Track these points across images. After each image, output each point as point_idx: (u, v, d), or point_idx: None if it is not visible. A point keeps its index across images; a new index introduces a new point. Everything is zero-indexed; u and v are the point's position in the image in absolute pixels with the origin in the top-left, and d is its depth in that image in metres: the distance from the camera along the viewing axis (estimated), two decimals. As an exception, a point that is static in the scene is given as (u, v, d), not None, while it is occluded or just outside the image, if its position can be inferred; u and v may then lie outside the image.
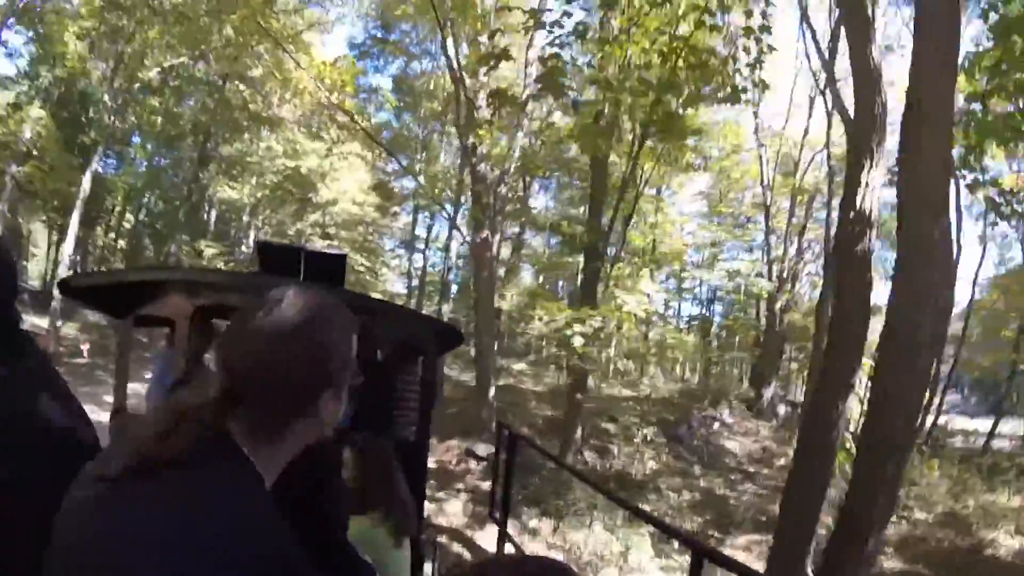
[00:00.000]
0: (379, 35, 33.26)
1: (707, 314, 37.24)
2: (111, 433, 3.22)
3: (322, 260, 3.94)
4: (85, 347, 17.94)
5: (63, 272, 21.15)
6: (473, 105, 13.92)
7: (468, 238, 14.27)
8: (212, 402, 0.92)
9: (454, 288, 37.05)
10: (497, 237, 14.70)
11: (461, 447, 14.69)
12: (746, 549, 12.30)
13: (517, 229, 31.82)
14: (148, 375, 4.49)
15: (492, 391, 14.12)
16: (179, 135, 28.43)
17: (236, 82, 27.55)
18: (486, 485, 12.08)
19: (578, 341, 11.62)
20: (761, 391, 23.12)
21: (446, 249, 35.70)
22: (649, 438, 16.15)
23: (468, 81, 14.09)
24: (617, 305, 13.06)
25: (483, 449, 14.25)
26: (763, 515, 13.83)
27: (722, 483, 16.14)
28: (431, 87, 31.68)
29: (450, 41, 14.80)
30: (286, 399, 0.96)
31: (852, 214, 7.56)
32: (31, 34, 23.27)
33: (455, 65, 14.19)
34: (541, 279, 35.40)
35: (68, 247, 22.63)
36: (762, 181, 25.21)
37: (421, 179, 22.47)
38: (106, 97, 22.44)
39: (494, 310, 13.83)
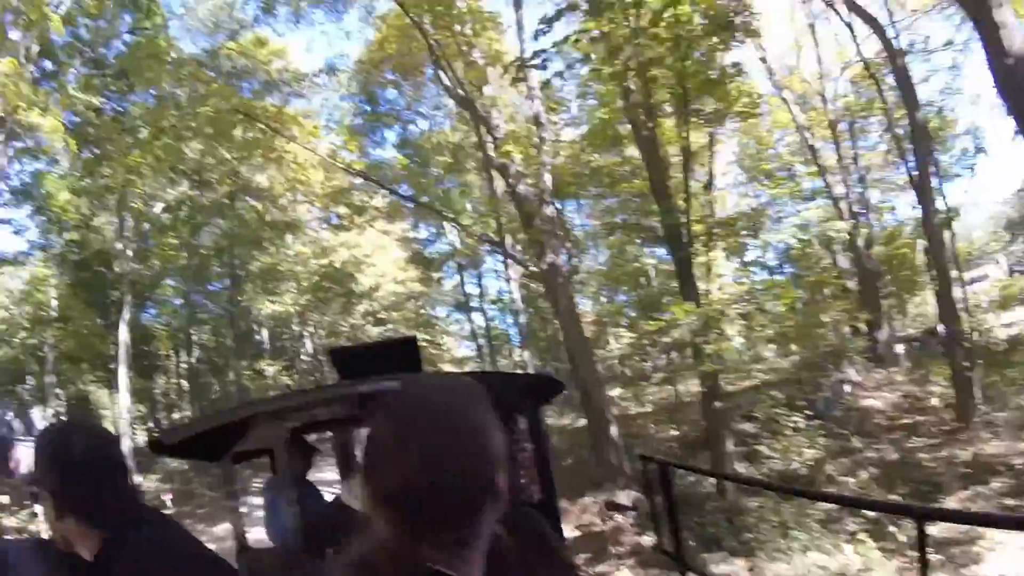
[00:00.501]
0: (368, 109, 32.37)
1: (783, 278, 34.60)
2: (241, 572, 3.06)
3: (393, 349, 3.90)
4: (168, 497, 17.47)
5: (124, 427, 20.99)
6: (488, 124, 12.39)
7: (531, 267, 12.30)
8: (395, 537, 0.82)
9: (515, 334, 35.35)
10: (564, 259, 12.84)
11: (598, 501, 12.57)
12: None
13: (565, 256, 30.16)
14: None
15: (614, 428, 12.02)
16: (203, 265, 27.46)
17: (245, 198, 26.79)
18: (648, 539, 10.12)
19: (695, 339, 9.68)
20: (874, 336, 20.61)
21: (497, 300, 33.94)
22: (799, 425, 13.82)
23: (476, 103, 12.59)
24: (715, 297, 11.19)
25: (625, 497, 12.17)
26: (965, 466, 11.68)
27: (891, 447, 13.77)
28: (435, 142, 30.38)
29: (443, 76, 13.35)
30: (471, 499, 0.86)
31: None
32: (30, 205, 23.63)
33: (459, 89, 12.65)
34: (602, 299, 33.38)
35: (123, 400, 21.78)
36: (796, 125, 23.27)
37: (461, 222, 20.52)
38: (119, 245, 21.87)
39: (586, 339, 11.81)
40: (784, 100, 23.09)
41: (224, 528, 14.48)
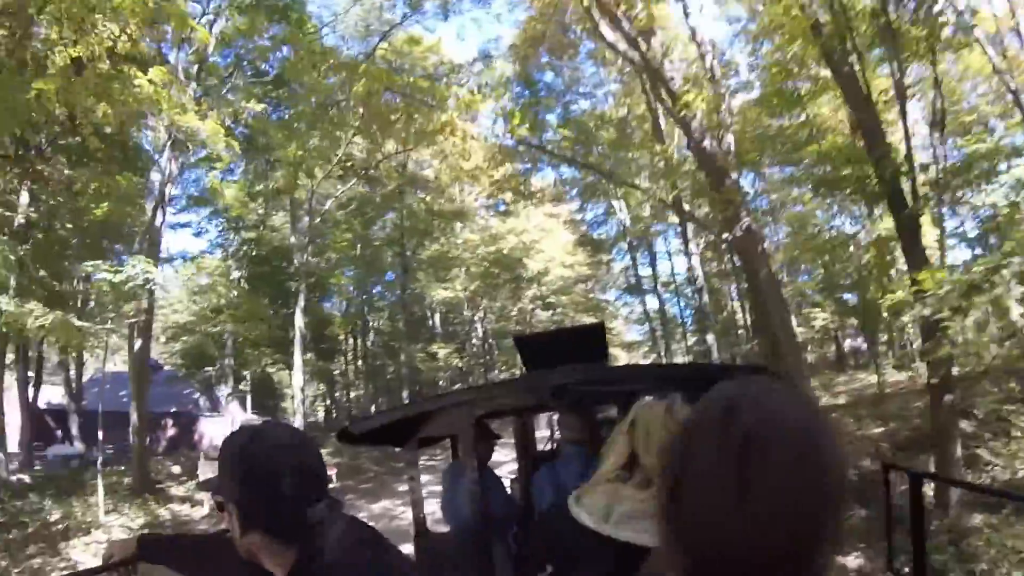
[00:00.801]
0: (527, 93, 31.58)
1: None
2: (417, 554, 3.29)
3: (582, 335, 3.93)
4: (333, 472, 17.08)
5: (299, 404, 22.52)
6: (662, 77, 10.68)
7: (722, 236, 10.22)
8: None
9: (689, 316, 32.94)
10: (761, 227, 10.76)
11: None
12: None
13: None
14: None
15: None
16: (376, 256, 28.42)
17: (414, 191, 27.25)
18: (852, 561, 8.50)
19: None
20: None
21: (669, 283, 31.74)
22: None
23: (648, 51, 10.90)
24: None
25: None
26: None
27: None
28: (599, 117, 28.85)
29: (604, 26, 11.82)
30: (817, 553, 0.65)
31: None
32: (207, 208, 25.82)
33: (627, 41, 11.01)
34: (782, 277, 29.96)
35: (297, 380, 22.81)
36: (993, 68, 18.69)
37: (640, 188, 18.61)
38: (293, 239, 23.07)
39: (789, 317, 9.67)
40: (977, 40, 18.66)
41: (382, 506, 14.76)
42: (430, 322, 36.88)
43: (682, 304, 33.44)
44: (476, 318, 35.88)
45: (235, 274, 24.44)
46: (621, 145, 25.56)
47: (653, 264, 29.62)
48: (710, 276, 31.21)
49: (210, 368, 28.28)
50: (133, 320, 15.18)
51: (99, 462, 14.53)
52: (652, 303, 32.56)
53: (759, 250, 9.41)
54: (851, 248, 17.25)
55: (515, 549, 3.44)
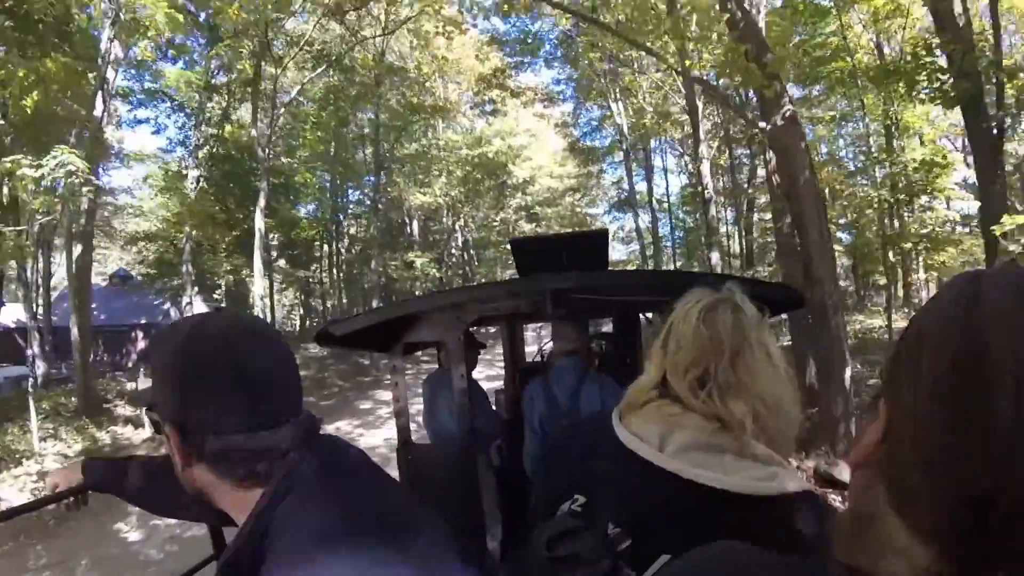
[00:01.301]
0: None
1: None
2: (400, 464, 3.22)
3: (584, 242, 3.86)
4: None
5: (260, 309, 20.56)
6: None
7: (759, 125, 7.57)
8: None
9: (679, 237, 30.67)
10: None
11: (805, 468, 8.83)
12: None
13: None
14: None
15: (847, 372, 7.99)
16: (349, 154, 25.57)
17: (393, 82, 24.14)
18: None
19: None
20: None
21: (661, 201, 29.22)
22: None
23: None
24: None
25: (846, 470, 8.17)
26: None
27: None
28: None
29: None
30: None
31: None
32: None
33: None
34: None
35: (259, 286, 20.87)
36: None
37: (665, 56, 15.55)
38: (254, 131, 20.45)
39: (827, 236, 7.34)
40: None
41: (336, 427, 12.85)
42: (408, 229, 34.58)
43: (673, 224, 31.39)
44: (456, 227, 33.57)
45: (193, 173, 21.77)
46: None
47: (649, 176, 26.89)
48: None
49: (179, 278, 26.44)
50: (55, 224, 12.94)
51: (31, 383, 12.81)
52: (643, 221, 30.31)
53: (801, 146, 7.21)
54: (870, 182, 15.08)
55: (498, 462, 3.38)
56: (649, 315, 4.36)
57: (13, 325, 24.51)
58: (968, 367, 0.43)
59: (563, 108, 32.59)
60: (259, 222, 19.92)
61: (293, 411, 0.91)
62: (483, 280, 35.40)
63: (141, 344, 28.73)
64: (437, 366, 4.02)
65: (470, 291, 3.70)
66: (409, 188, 28.91)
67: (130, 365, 26.71)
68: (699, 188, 10.91)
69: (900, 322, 16.82)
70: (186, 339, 0.89)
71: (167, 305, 29.30)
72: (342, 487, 0.90)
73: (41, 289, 23.02)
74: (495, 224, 33.84)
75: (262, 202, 19.89)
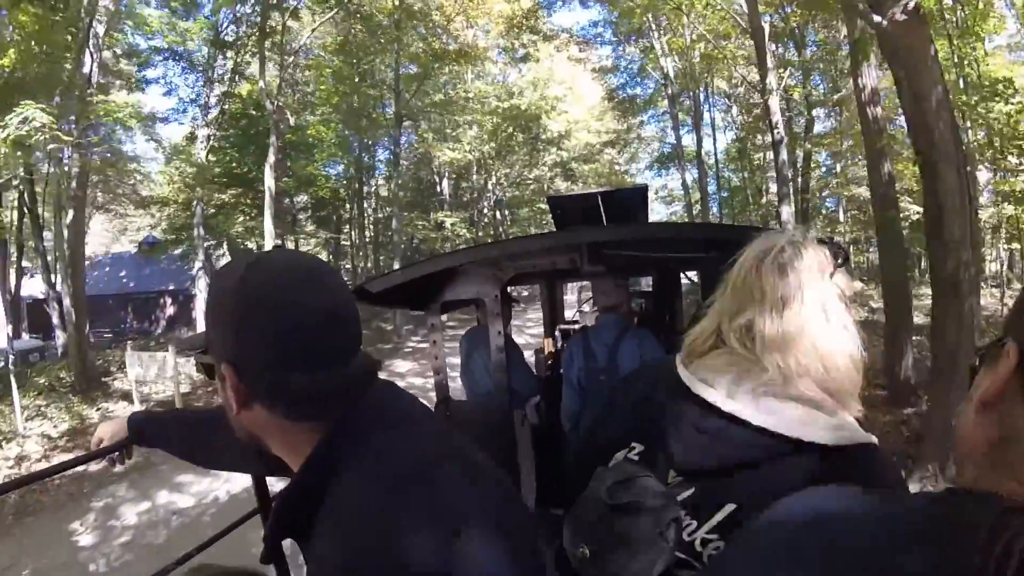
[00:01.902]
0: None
1: None
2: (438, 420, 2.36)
3: (623, 199, 3.65)
4: None
5: None
6: None
7: (877, 19, 5.24)
8: None
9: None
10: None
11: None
12: None
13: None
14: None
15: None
16: (367, 106, 23.57)
17: (414, 26, 21.99)
18: None
19: None
20: None
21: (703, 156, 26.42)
22: None
23: None
24: None
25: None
26: None
27: None
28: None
29: None
30: None
31: None
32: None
33: None
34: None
35: (267, 245, 19.01)
36: None
37: None
38: (261, 82, 18.57)
39: (967, 181, 5.15)
40: None
41: None
42: (439, 188, 32.81)
43: (719, 183, 28.76)
44: (490, 184, 31.60)
45: (202, 132, 20.31)
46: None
47: (698, 123, 23.61)
48: (748, 148, 26.41)
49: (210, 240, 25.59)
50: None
51: (10, 360, 11.82)
52: (689, 177, 27.84)
53: (930, 52, 5.14)
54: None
55: (535, 420, 3.42)
56: (692, 274, 4.08)
57: (42, 295, 24.11)
58: None
59: (601, 52, 29.88)
60: (268, 180, 18.33)
61: (351, 351, 0.88)
62: (516, 241, 33.76)
63: (170, 310, 28.23)
64: (475, 324, 3.93)
65: (506, 244, 3.38)
66: (436, 144, 27.10)
67: (158, 332, 26.41)
68: (768, 125, 8.78)
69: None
70: (242, 277, 0.84)
71: (197, 270, 29.05)
72: (402, 429, 0.87)
73: (60, 257, 22.23)
74: (529, 182, 31.82)
75: (271, 158, 18.26)
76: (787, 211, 8.26)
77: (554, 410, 3.26)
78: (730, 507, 0.92)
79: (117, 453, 1.61)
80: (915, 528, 0.55)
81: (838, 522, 0.60)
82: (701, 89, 22.20)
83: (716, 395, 0.99)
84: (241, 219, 22.75)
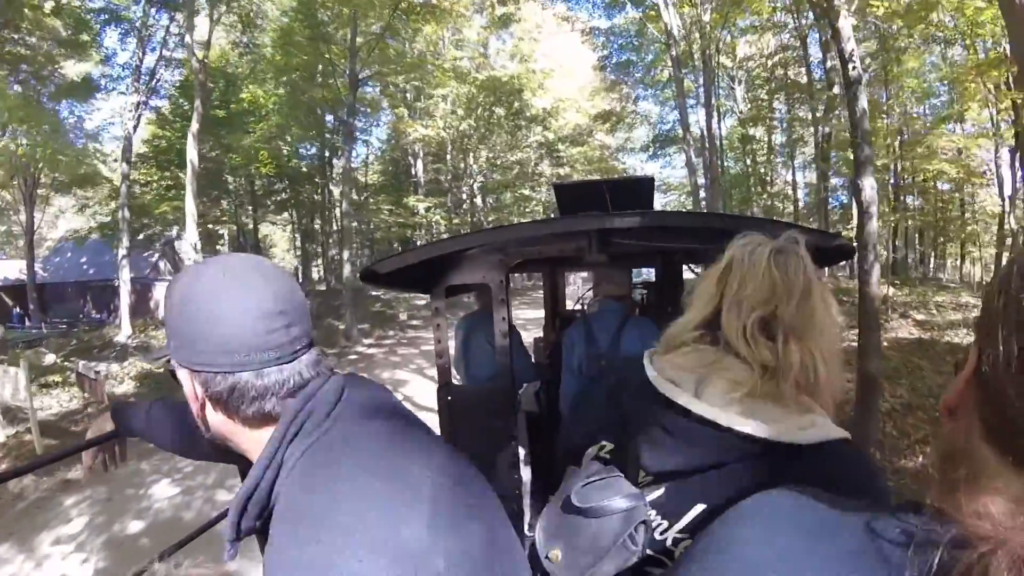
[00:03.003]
0: None
1: None
2: (440, 404, 3.07)
3: (628, 187, 3.73)
4: None
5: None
6: None
7: None
8: None
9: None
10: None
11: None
12: None
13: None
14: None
15: None
16: (313, 69, 19.98)
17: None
18: None
19: None
20: None
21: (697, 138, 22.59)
22: None
23: None
24: None
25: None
26: None
27: None
28: None
29: None
30: None
31: None
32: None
33: None
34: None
35: (189, 234, 15.94)
36: None
37: None
38: (188, 38, 15.31)
39: None
40: None
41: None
42: (413, 170, 29.51)
43: (723, 169, 25.38)
44: (470, 167, 28.25)
45: (132, 100, 16.93)
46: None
47: (709, 92, 18.64)
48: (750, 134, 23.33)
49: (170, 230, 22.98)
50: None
51: None
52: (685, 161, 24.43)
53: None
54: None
55: (535, 407, 3.46)
56: (695, 267, 3.98)
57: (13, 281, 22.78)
58: None
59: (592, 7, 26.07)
60: (191, 151, 14.99)
61: (300, 348, 0.90)
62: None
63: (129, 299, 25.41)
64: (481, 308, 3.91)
65: (515, 229, 2.89)
66: (408, 120, 23.78)
67: (117, 322, 23.68)
68: (841, 59, 5.81)
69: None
70: (187, 283, 0.89)
71: (156, 257, 26.68)
72: (356, 427, 0.87)
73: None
74: (512, 166, 28.56)
75: (195, 126, 14.92)
76: (869, 185, 5.33)
77: (554, 398, 3.27)
78: (700, 507, 0.91)
79: (108, 454, 1.57)
80: (847, 548, 0.53)
81: (778, 529, 0.58)
82: (714, 48, 18.37)
83: (683, 396, 0.99)
84: (167, 202, 19.38)
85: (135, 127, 17.11)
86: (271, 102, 20.82)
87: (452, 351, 3.44)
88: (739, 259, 1.05)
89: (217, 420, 0.90)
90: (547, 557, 1.01)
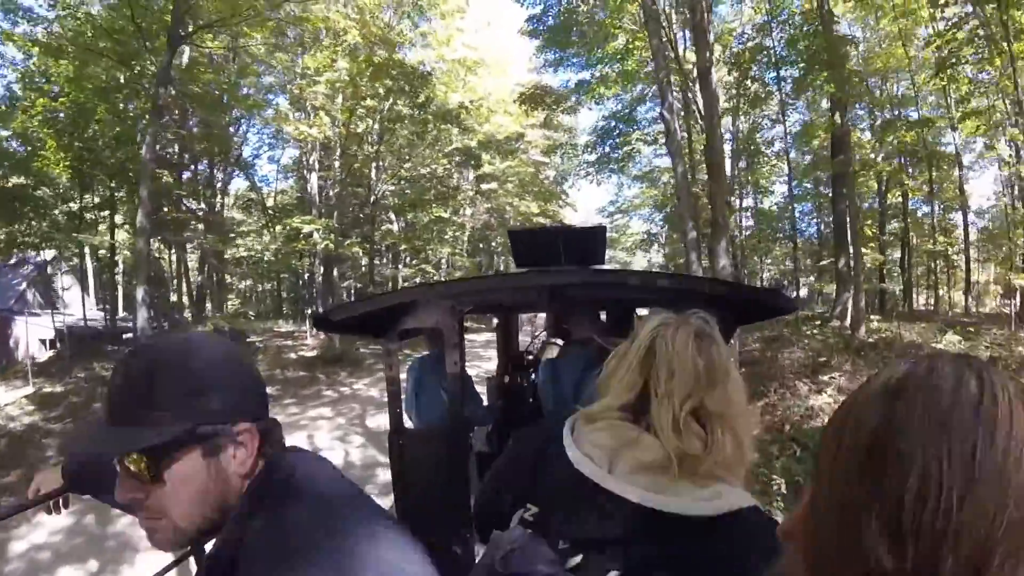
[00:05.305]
0: None
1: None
2: (392, 451, 2.94)
3: (581, 238, 3.73)
4: None
5: None
6: None
7: None
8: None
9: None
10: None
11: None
12: None
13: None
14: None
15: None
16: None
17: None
18: None
19: None
20: None
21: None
22: None
23: None
24: None
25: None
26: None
27: None
28: None
29: None
30: None
31: None
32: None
33: None
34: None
35: None
36: None
37: None
38: None
39: None
40: None
41: None
42: (308, 184, 23.09)
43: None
44: (369, 178, 21.93)
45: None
46: None
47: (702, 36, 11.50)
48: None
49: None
50: None
51: None
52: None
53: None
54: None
55: (487, 449, 3.61)
56: (644, 311, 3.41)
57: None
58: (882, 448, 0.46)
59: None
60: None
61: (251, 417, 0.88)
62: (407, 258, 24.69)
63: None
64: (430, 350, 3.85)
65: (470, 283, 3.17)
66: (285, 115, 17.52)
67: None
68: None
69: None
70: (196, 338, 0.90)
71: (23, 286, 22.00)
72: (309, 495, 0.84)
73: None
74: (423, 178, 22.38)
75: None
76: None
77: (506, 437, 2.70)
78: (614, 574, 0.93)
79: (52, 502, 1.53)
80: None
81: None
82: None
83: (596, 472, 1.00)
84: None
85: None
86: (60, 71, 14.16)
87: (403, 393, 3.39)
88: (662, 347, 1.04)
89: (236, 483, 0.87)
90: None
